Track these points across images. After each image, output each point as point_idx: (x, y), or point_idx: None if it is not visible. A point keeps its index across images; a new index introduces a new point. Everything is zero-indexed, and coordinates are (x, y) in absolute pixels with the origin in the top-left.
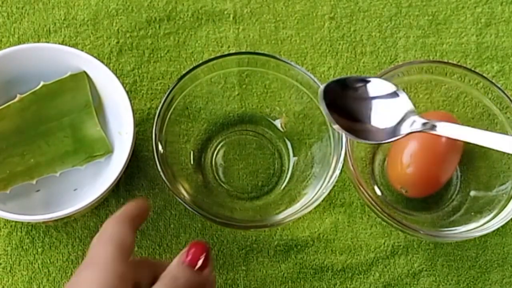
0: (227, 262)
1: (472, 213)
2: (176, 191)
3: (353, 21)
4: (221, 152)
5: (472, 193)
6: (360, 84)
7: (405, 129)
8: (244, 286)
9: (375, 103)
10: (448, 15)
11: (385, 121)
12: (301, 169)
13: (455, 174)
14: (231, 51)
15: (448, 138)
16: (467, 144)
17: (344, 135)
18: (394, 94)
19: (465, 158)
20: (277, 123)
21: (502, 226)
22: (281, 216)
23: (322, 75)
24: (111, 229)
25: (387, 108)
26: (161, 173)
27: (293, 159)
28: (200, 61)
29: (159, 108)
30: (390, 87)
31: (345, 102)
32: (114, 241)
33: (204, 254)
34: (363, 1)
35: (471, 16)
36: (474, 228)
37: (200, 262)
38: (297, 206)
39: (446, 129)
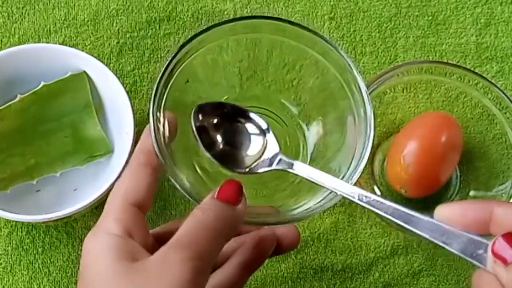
0: None
1: None
2: (177, 177)
3: (353, 21)
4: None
5: (472, 193)
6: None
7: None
8: (244, 286)
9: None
10: (447, 15)
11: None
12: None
13: (454, 174)
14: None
15: (448, 138)
16: (466, 144)
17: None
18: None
19: (465, 158)
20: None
21: None
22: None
23: None
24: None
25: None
26: (160, 159)
27: (310, 142)
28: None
29: (156, 81)
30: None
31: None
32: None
33: (236, 190)
34: (363, 1)
35: (471, 16)
36: None
37: (232, 197)
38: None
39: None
